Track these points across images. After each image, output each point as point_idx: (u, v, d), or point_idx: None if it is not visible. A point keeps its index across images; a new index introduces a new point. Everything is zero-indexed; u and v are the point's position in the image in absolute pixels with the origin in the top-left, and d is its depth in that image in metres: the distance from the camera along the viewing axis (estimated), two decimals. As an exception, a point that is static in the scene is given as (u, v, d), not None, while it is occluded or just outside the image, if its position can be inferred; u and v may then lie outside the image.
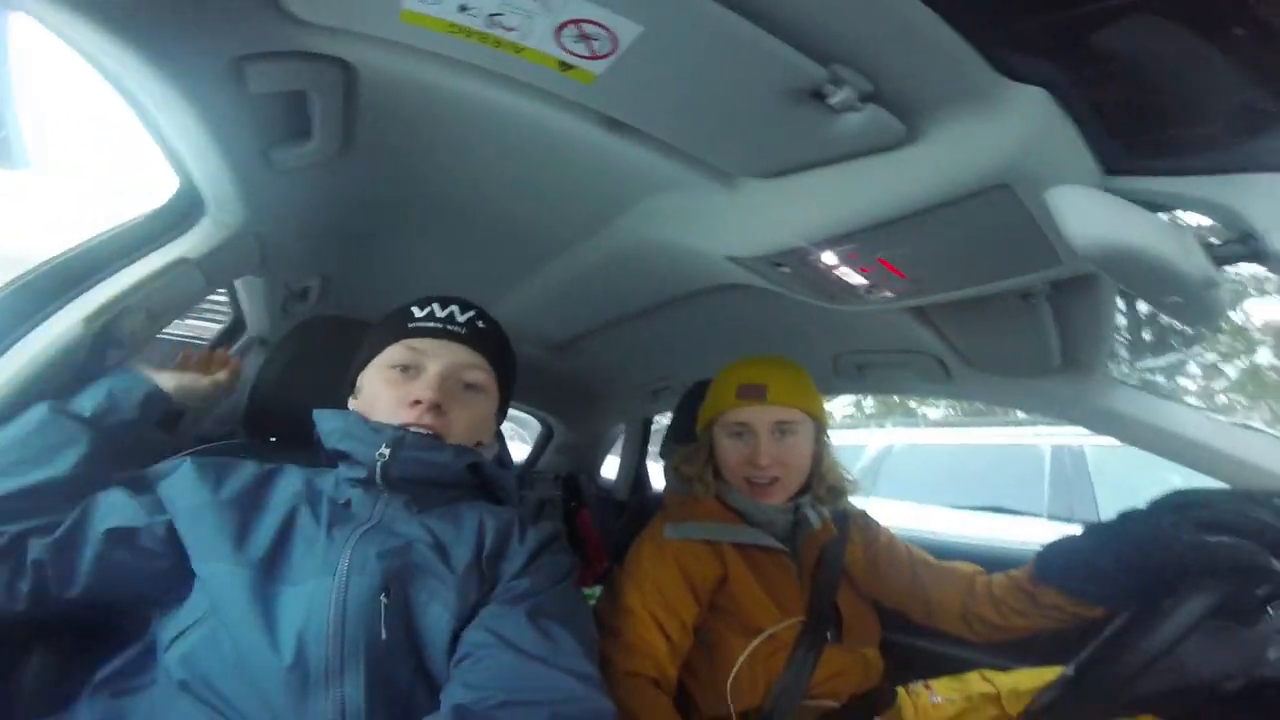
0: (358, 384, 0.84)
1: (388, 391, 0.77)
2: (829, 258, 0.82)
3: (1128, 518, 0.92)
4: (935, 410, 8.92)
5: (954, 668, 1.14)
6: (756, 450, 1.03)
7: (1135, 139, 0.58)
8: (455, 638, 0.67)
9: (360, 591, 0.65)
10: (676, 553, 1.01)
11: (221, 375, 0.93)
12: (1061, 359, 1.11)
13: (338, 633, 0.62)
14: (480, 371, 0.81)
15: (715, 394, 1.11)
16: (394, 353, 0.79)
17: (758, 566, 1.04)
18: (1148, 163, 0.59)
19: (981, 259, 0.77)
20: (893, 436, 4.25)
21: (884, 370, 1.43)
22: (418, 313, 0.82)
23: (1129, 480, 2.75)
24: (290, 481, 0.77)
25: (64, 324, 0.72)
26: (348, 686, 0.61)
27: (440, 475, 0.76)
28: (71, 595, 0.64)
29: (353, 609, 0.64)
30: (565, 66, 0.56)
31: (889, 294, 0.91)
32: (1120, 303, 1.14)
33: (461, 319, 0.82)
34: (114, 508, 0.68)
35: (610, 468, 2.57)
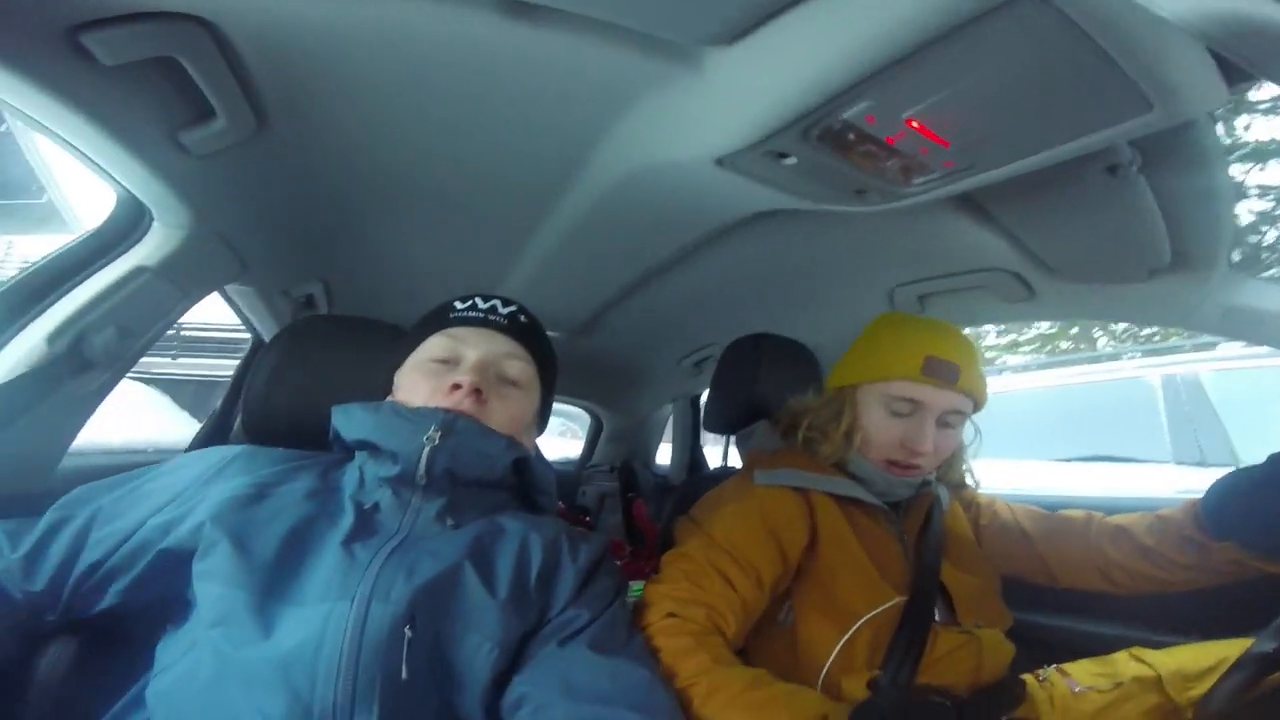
0: (394, 383, 0.79)
1: (426, 382, 0.73)
2: (839, 129, 0.65)
3: None
4: (1018, 356, 8.27)
5: (1094, 648, 0.94)
6: (920, 435, 0.87)
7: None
8: (497, 672, 0.60)
9: (381, 622, 0.57)
10: (762, 500, 0.87)
11: None
12: (1171, 255, 0.90)
13: (350, 669, 0.54)
14: (521, 363, 0.77)
15: (886, 356, 0.91)
16: (433, 344, 0.76)
17: (863, 532, 0.88)
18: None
19: (1043, 104, 0.59)
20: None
21: (951, 299, 1.23)
22: (459, 305, 0.79)
23: (1261, 409, 2.35)
24: (301, 484, 0.68)
25: (26, 345, 0.70)
26: None
27: (488, 471, 0.71)
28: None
29: (370, 642, 0.55)
30: None
31: (933, 174, 0.74)
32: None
33: (504, 311, 0.79)
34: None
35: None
